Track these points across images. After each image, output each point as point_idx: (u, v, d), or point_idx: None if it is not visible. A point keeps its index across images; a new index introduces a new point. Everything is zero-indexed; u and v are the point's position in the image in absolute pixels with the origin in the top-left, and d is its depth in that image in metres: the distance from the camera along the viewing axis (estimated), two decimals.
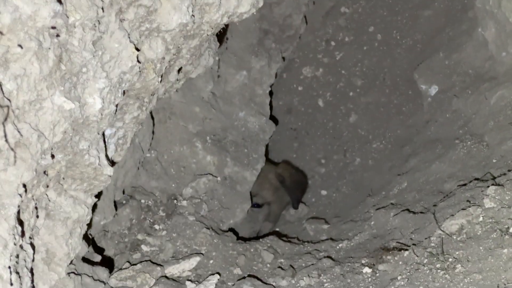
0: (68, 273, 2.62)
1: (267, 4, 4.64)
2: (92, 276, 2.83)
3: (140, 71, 2.38)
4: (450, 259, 2.76)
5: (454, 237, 2.90)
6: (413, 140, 4.71)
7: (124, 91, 2.35)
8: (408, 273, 2.87)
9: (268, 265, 3.44)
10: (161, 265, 3.14)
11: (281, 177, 5.01)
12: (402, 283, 2.83)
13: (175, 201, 3.66)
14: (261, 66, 4.47)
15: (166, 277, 3.06)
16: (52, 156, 2.10)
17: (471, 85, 4.24)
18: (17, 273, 1.97)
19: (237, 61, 4.32)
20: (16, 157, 1.88)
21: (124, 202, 3.45)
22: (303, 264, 3.42)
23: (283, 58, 4.90)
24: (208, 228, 3.49)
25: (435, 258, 2.85)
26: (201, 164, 3.90)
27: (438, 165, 3.87)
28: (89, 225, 2.82)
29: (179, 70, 3.01)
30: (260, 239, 3.81)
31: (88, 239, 3.02)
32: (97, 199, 2.57)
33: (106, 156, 2.45)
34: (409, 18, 5.68)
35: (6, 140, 1.82)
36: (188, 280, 3.07)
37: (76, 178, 2.34)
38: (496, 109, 3.71)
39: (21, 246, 2.02)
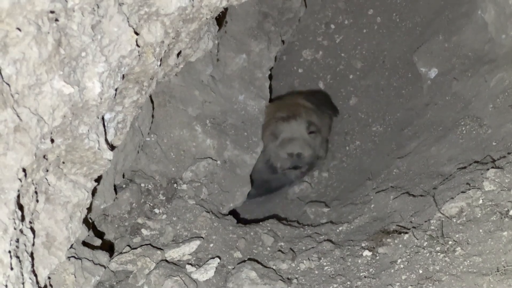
0: (68, 257, 2.62)
1: None
2: (92, 260, 2.83)
3: (139, 55, 2.37)
4: (450, 242, 2.77)
5: (454, 220, 2.90)
6: (413, 123, 4.70)
7: (123, 75, 2.34)
8: (408, 256, 2.87)
9: (268, 249, 3.44)
10: (161, 249, 3.14)
11: (316, 103, 5.28)
12: (402, 266, 2.84)
13: (175, 184, 3.66)
14: (260, 49, 4.46)
15: (166, 260, 3.07)
16: (52, 141, 2.10)
17: (470, 68, 4.23)
18: (17, 257, 1.98)
19: (237, 45, 4.32)
20: (15, 141, 1.88)
21: (124, 186, 3.45)
22: (303, 247, 3.42)
23: (283, 41, 4.89)
24: (208, 212, 3.49)
25: (435, 241, 2.85)
26: (200, 148, 3.89)
27: (437, 148, 3.87)
28: (89, 209, 2.83)
29: (179, 54, 3.00)
30: (260, 223, 3.81)
31: (88, 223, 3.02)
32: (97, 183, 2.57)
33: (106, 140, 2.45)
34: (409, 1, 5.69)
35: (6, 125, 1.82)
36: (188, 263, 3.08)
37: (75, 162, 2.34)
38: (496, 91, 3.71)
39: (21, 231, 2.02)
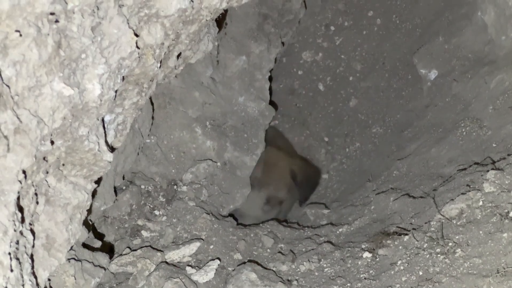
0: (68, 259, 2.63)
1: None
2: (92, 262, 2.84)
3: (139, 57, 2.38)
4: (450, 244, 2.77)
5: (454, 222, 2.91)
6: (413, 124, 4.71)
7: (123, 76, 2.35)
8: (408, 258, 2.88)
9: (268, 250, 3.44)
10: (161, 251, 3.14)
11: (294, 174, 5.03)
12: (402, 267, 2.84)
13: (175, 186, 3.66)
14: (260, 51, 4.47)
15: (166, 262, 3.07)
16: (52, 142, 2.10)
17: (470, 69, 4.24)
18: (17, 259, 1.98)
19: (237, 46, 4.32)
20: (15, 143, 1.88)
21: (124, 187, 3.46)
22: (303, 249, 3.43)
23: (283, 43, 4.89)
24: (208, 213, 3.50)
25: (435, 243, 2.85)
26: (201, 149, 3.90)
27: (437, 149, 3.87)
28: (89, 211, 2.83)
29: (178, 56, 3.00)
30: (260, 224, 3.81)
31: (88, 224, 3.02)
32: (97, 185, 2.57)
33: (106, 142, 2.45)
34: (408, 2, 5.69)
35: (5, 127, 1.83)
36: (188, 265, 3.08)
37: (75, 164, 2.35)
38: (496, 93, 3.71)
39: (21, 232, 2.02)
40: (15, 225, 1.93)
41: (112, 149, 2.63)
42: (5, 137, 1.84)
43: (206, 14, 2.74)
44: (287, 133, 5.73)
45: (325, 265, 3.19)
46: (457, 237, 2.78)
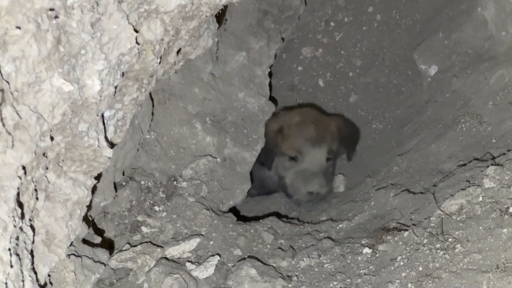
0: (68, 255, 2.62)
1: None
2: (92, 258, 2.83)
3: (139, 53, 2.37)
4: (450, 239, 2.77)
5: (454, 217, 2.91)
6: (413, 120, 4.71)
7: (123, 72, 2.34)
8: (408, 253, 2.88)
9: (268, 246, 3.44)
10: (161, 247, 3.14)
11: (341, 131, 5.15)
12: (402, 263, 2.84)
13: (175, 182, 3.66)
14: (260, 46, 4.46)
15: (166, 258, 3.07)
16: (51, 138, 2.10)
17: (470, 65, 4.23)
18: (17, 255, 1.98)
19: (236, 42, 4.31)
20: (15, 139, 1.88)
21: (124, 183, 3.45)
22: (303, 245, 3.43)
23: (282, 39, 4.89)
24: (208, 209, 3.49)
25: (434, 238, 2.85)
26: (200, 145, 3.89)
27: (437, 145, 3.87)
28: (89, 207, 2.82)
29: (178, 52, 3.00)
30: (260, 220, 3.81)
31: (88, 220, 3.02)
32: (96, 181, 2.57)
33: (106, 137, 2.45)
34: None
35: (3, 124, 1.82)
36: (188, 261, 3.08)
37: (75, 160, 2.34)
38: (496, 88, 3.71)
39: (21, 228, 2.02)
40: (15, 221, 1.93)
41: (111, 145, 2.63)
42: (8, 132, 1.84)
43: (206, 10, 2.73)
44: None
45: (325, 261, 3.19)
46: (457, 233, 2.78)
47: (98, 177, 2.60)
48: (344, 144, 5.18)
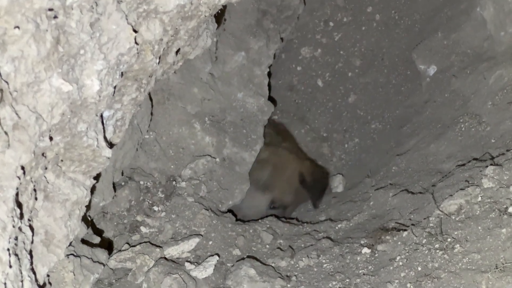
0: (67, 255, 2.63)
1: None
2: (91, 258, 2.84)
3: (138, 53, 2.37)
4: (449, 239, 2.77)
5: (453, 217, 2.91)
6: (412, 120, 4.71)
7: (122, 72, 2.34)
8: (407, 253, 2.88)
9: (267, 246, 3.45)
10: (160, 247, 3.14)
11: (303, 177, 4.98)
12: (401, 263, 2.84)
13: (174, 182, 3.66)
14: (259, 46, 4.46)
15: (165, 258, 3.07)
16: (51, 138, 2.10)
17: (469, 65, 4.24)
18: (16, 255, 1.98)
19: (235, 42, 4.32)
20: (14, 139, 1.88)
21: (123, 183, 3.45)
22: (302, 245, 3.43)
23: (281, 39, 4.89)
24: (207, 209, 3.50)
25: (433, 238, 2.86)
26: (199, 145, 3.89)
27: (436, 145, 3.87)
28: (88, 207, 2.83)
29: (177, 52, 3.00)
30: (259, 220, 3.81)
31: (87, 220, 3.02)
32: (95, 181, 2.57)
33: (105, 138, 2.45)
34: None
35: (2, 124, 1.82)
36: (187, 261, 3.08)
37: (74, 160, 2.35)
38: (495, 88, 3.71)
39: (20, 228, 2.02)
40: (13, 221, 1.93)
41: (111, 145, 2.63)
42: (6, 133, 1.84)
43: (205, 10, 2.74)
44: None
45: (324, 261, 3.19)
46: (456, 233, 2.78)
47: (97, 177, 2.60)
48: (307, 192, 5.00)
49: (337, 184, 5.11)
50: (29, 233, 2.12)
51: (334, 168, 5.56)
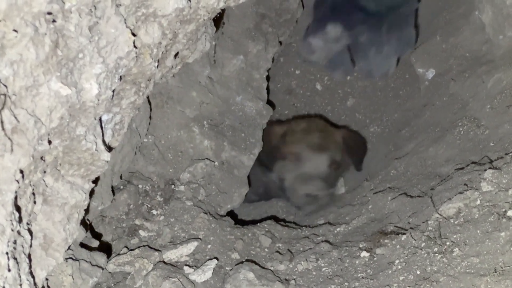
0: (66, 259, 2.63)
1: None
2: (90, 262, 2.84)
3: (136, 56, 2.37)
4: (448, 243, 2.77)
5: (452, 221, 2.91)
6: (411, 124, 4.71)
7: (120, 76, 2.34)
8: (406, 257, 2.88)
9: (266, 250, 3.44)
10: (159, 250, 3.14)
11: (347, 142, 5.18)
12: (400, 266, 2.84)
13: (172, 186, 3.66)
14: (258, 50, 4.47)
15: (164, 262, 3.07)
16: (49, 142, 2.10)
17: (468, 69, 4.24)
18: (15, 259, 1.98)
19: (234, 46, 4.32)
20: (13, 143, 1.88)
21: (121, 187, 3.45)
22: (301, 249, 3.43)
23: (280, 42, 4.89)
24: (205, 213, 3.49)
25: (432, 242, 2.86)
26: (198, 149, 3.90)
27: (435, 148, 3.87)
28: (87, 211, 2.82)
29: (176, 55, 3.00)
30: (258, 224, 3.81)
31: (85, 224, 3.02)
32: (94, 185, 2.57)
33: (103, 141, 2.45)
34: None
35: (3, 126, 1.82)
36: (186, 265, 3.08)
37: (73, 163, 2.34)
38: (493, 92, 3.71)
39: (18, 232, 2.02)
40: (12, 224, 1.93)
41: (109, 148, 2.63)
42: (6, 136, 1.84)
43: (203, 14, 2.74)
44: None
45: (322, 265, 3.19)
46: (454, 236, 2.78)
47: (96, 181, 2.60)
48: (350, 156, 5.18)
49: (339, 186, 5.15)
50: (27, 236, 2.12)
51: None
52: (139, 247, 3.15)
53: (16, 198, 1.98)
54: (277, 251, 3.40)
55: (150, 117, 3.64)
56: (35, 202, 2.20)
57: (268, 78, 4.64)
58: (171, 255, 3.12)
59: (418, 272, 2.72)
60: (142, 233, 3.30)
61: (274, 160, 5.00)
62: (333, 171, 5.07)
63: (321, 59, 5.48)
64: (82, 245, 2.91)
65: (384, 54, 5.49)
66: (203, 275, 3.00)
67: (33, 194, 2.16)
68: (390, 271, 2.85)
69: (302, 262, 3.21)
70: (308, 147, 4.96)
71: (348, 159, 5.21)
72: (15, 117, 1.86)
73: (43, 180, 2.25)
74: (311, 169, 4.98)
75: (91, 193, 2.71)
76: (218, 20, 3.95)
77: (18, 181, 1.93)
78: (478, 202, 2.89)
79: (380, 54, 5.50)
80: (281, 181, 5.06)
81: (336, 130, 5.29)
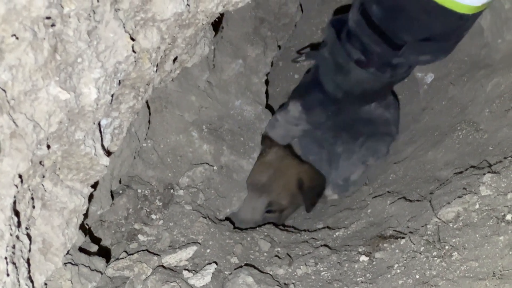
0: (65, 263, 2.62)
1: None
2: (89, 266, 2.83)
3: (135, 61, 2.37)
4: (447, 247, 2.77)
5: (451, 225, 2.91)
6: (409, 128, 4.71)
7: (119, 80, 2.34)
8: (405, 261, 2.88)
9: (265, 254, 3.44)
10: (158, 255, 3.14)
11: (301, 182, 4.95)
12: (399, 271, 2.84)
13: (171, 190, 3.66)
14: (256, 54, 4.46)
15: (163, 266, 3.07)
16: (48, 147, 2.10)
17: (467, 73, 4.24)
18: (14, 263, 1.98)
19: (233, 50, 4.31)
20: (11, 147, 1.88)
21: (120, 191, 3.45)
22: (300, 253, 3.42)
23: (279, 46, 4.89)
24: (204, 217, 3.49)
25: (431, 246, 2.85)
26: (197, 153, 3.89)
27: (434, 152, 3.87)
28: (86, 215, 2.81)
29: (175, 60, 3.00)
30: (257, 228, 3.81)
31: (84, 229, 3.02)
32: (93, 189, 2.57)
33: (102, 146, 2.45)
34: None
35: (2, 131, 1.82)
36: (185, 269, 3.07)
37: (72, 168, 2.34)
38: (492, 96, 3.72)
39: (17, 237, 2.02)
40: (11, 229, 1.92)
41: (108, 153, 2.63)
42: (5, 141, 1.84)
43: (202, 18, 2.74)
44: None
45: (322, 269, 3.19)
46: (453, 240, 2.78)
47: (95, 185, 2.60)
48: (303, 196, 4.96)
49: (331, 191, 5.11)
50: (26, 241, 2.12)
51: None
52: (138, 251, 3.15)
53: (15, 202, 1.98)
54: (276, 255, 3.40)
55: (149, 122, 3.64)
56: (34, 207, 2.19)
57: (267, 82, 4.63)
58: (170, 259, 3.12)
59: (417, 276, 2.72)
60: (141, 237, 3.30)
61: None
62: (272, 216, 4.84)
63: (279, 138, 5.21)
64: (81, 249, 2.91)
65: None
66: (202, 279, 2.99)
67: (32, 198, 2.16)
68: (389, 275, 2.85)
69: (301, 267, 3.21)
70: (249, 186, 4.41)
71: (299, 201, 4.99)
72: (14, 122, 1.86)
73: (42, 184, 2.25)
74: (245, 215, 4.66)
75: (90, 197, 2.71)
76: (217, 24, 3.95)
77: (17, 186, 1.93)
78: (477, 206, 2.89)
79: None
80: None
81: (294, 169, 5.02)
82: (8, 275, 1.90)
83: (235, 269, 3.16)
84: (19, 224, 2.03)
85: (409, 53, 3.79)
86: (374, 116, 4.88)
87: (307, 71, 5.28)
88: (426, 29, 3.63)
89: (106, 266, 3.02)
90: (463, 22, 3.53)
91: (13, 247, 1.98)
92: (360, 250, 3.23)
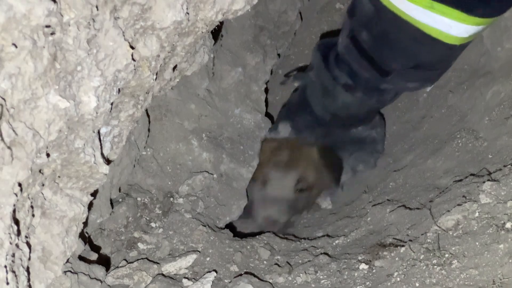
0: (65, 272, 2.62)
1: (262, 1, 4.63)
2: (88, 274, 2.83)
3: (135, 69, 2.37)
4: (447, 255, 2.77)
5: (450, 233, 2.90)
6: (409, 136, 4.71)
7: (119, 89, 2.34)
8: (405, 269, 2.87)
9: (265, 262, 3.43)
10: (158, 263, 3.13)
11: (323, 159, 4.97)
12: (399, 279, 2.83)
13: (171, 198, 3.65)
14: (256, 62, 4.46)
15: (162, 274, 3.06)
16: (48, 155, 2.10)
17: (466, 81, 4.24)
18: (13, 272, 1.97)
19: (232, 58, 4.32)
20: (11, 156, 1.88)
21: (120, 200, 3.45)
22: (300, 261, 3.42)
23: (279, 55, 4.89)
24: (204, 225, 3.49)
25: (431, 254, 2.85)
26: (197, 161, 3.89)
27: (434, 160, 3.87)
28: (85, 223, 2.82)
29: (174, 68, 3.00)
30: (257, 236, 3.81)
31: (84, 237, 3.02)
32: (93, 197, 2.56)
33: (102, 154, 2.45)
34: None
35: (2, 139, 1.82)
36: (184, 277, 3.07)
37: (71, 176, 2.34)
38: (492, 104, 3.71)
39: (17, 245, 2.02)
40: (11, 238, 1.92)
41: (108, 161, 2.63)
42: (4, 149, 1.84)
43: (201, 26, 2.74)
44: None
45: (321, 277, 3.18)
46: (453, 248, 2.78)
47: (94, 194, 2.60)
48: (326, 173, 4.98)
49: (324, 200, 5.09)
50: (26, 250, 2.11)
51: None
52: (138, 259, 3.14)
53: (14, 211, 1.98)
54: (276, 264, 3.39)
55: (148, 130, 3.64)
56: (33, 215, 2.19)
57: (266, 90, 4.63)
58: (169, 267, 3.12)
59: (417, 285, 2.71)
60: (141, 245, 3.29)
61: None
62: (303, 194, 4.82)
63: None
64: (81, 258, 2.90)
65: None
66: (202, 287, 2.99)
67: (32, 207, 2.16)
68: (389, 284, 2.84)
69: (301, 275, 3.21)
70: (275, 166, 4.66)
71: (325, 177, 4.98)
72: (14, 130, 1.86)
73: (42, 193, 2.24)
74: (277, 192, 4.72)
75: (90, 206, 2.71)
76: (216, 32, 3.96)
77: (16, 194, 1.93)
78: (477, 214, 2.88)
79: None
80: (251, 204, 4.78)
81: (309, 147, 5.01)
82: (8, 283, 1.89)
83: (234, 277, 3.15)
84: (18, 233, 2.03)
85: (397, 79, 3.86)
86: (361, 136, 4.94)
87: (294, 90, 5.30)
88: (414, 57, 3.70)
89: (106, 275, 3.02)
90: (451, 52, 3.63)
91: (13, 255, 1.98)
92: (359, 258, 3.22)
